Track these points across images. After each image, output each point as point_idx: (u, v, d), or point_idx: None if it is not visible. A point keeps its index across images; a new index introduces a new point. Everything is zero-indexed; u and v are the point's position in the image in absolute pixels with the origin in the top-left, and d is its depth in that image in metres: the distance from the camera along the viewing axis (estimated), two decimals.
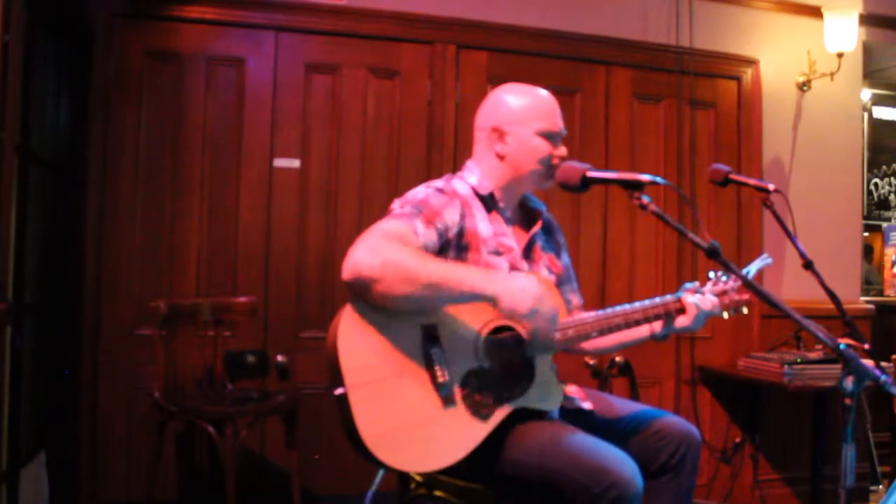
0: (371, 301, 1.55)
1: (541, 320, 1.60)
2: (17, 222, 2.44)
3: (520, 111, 1.84)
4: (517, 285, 1.57)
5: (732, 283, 1.89)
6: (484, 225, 1.80)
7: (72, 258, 2.97)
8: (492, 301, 1.57)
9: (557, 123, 1.86)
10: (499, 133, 1.85)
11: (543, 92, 1.89)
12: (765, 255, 1.91)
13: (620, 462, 1.54)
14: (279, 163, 3.18)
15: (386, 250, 1.55)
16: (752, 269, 1.84)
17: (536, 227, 1.92)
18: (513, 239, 1.84)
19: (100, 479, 2.98)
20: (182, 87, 3.10)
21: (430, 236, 1.69)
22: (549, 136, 1.84)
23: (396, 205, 1.75)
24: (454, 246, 1.75)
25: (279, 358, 2.88)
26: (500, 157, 1.85)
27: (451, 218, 1.74)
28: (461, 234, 1.76)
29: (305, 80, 3.21)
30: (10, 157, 2.34)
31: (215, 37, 3.13)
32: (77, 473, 2.94)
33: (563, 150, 1.86)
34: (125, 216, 3.03)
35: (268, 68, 3.17)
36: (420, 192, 1.77)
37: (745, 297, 1.89)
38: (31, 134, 2.55)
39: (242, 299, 2.98)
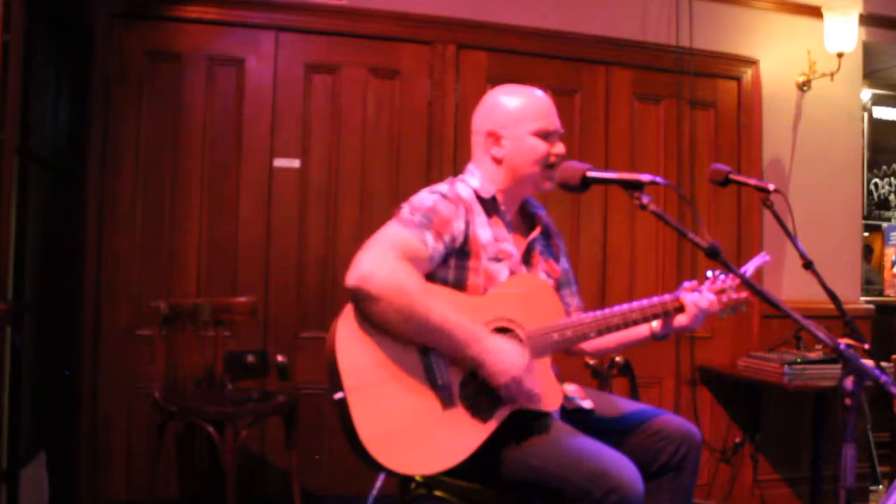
0: (364, 311, 1.55)
1: (514, 392, 1.62)
2: (17, 222, 2.44)
3: (514, 113, 1.82)
4: (501, 359, 1.59)
5: (731, 282, 1.88)
6: (484, 230, 1.79)
7: (72, 258, 2.97)
8: (474, 366, 1.60)
9: (553, 122, 1.84)
10: (494, 137, 1.84)
11: (537, 91, 1.88)
12: (763, 254, 1.90)
13: (621, 466, 1.54)
14: (279, 163, 3.18)
15: (395, 271, 1.55)
16: (749, 268, 1.84)
17: (535, 233, 1.91)
18: (512, 244, 1.83)
19: (100, 480, 2.97)
20: (182, 87, 3.10)
21: (438, 248, 1.68)
22: (545, 136, 1.82)
23: (405, 210, 1.72)
24: (457, 253, 1.74)
25: (279, 358, 2.89)
26: (498, 161, 1.84)
27: (458, 227, 1.74)
28: (465, 241, 1.75)
29: (305, 80, 3.21)
30: (10, 157, 2.34)
31: (215, 37, 3.13)
32: (77, 473, 2.94)
33: (560, 148, 1.84)
34: (125, 216, 3.03)
35: (268, 68, 3.17)
36: (427, 198, 1.75)
37: (744, 295, 1.88)
38: (31, 134, 2.55)
39: (242, 299, 2.98)
